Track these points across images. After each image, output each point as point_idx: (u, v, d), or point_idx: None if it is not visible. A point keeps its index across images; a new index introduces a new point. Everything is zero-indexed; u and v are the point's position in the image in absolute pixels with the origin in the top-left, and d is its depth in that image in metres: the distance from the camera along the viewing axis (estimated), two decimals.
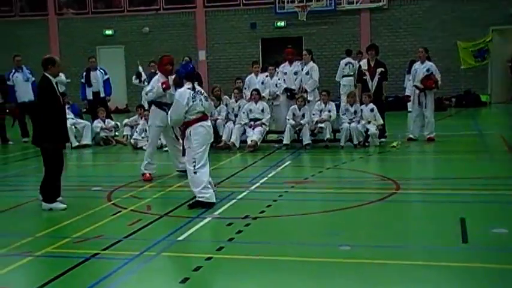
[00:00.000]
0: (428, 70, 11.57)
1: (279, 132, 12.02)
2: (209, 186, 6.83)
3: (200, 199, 6.78)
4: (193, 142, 6.86)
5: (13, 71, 13.54)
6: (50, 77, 6.88)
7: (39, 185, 7.03)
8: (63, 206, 6.92)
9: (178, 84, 7.36)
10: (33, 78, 13.19)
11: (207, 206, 6.71)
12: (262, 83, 12.27)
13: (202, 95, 7.08)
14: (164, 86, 8.45)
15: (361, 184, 8.06)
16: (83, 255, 5.16)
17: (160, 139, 11.51)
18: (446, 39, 19.38)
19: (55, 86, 6.93)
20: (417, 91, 11.66)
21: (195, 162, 6.84)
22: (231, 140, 11.33)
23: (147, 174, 8.57)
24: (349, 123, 11.10)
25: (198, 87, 7.08)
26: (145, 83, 16.99)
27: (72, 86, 16.64)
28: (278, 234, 5.75)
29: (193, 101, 6.93)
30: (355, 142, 11.04)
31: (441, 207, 6.60)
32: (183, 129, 7.07)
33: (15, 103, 13.36)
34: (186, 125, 6.94)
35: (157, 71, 9.31)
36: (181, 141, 7.80)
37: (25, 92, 13.30)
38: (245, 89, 12.50)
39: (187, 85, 7.06)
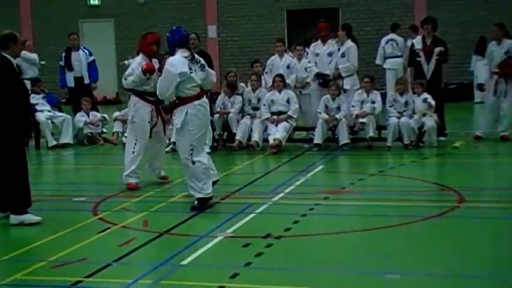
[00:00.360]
0: (507, 52, 11.47)
1: (309, 128, 12.01)
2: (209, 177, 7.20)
3: (202, 196, 7.08)
4: (190, 125, 7.04)
5: None
6: (11, 58, 7.00)
7: None
8: (37, 218, 7.00)
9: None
10: None
11: (208, 201, 7.00)
12: (288, 67, 12.28)
13: (198, 63, 7.22)
14: (145, 67, 8.44)
15: (414, 195, 8.02)
16: (61, 283, 5.17)
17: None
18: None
19: (16, 68, 7.07)
20: (495, 77, 11.58)
21: (192, 150, 7.08)
22: (254, 138, 11.33)
23: (134, 183, 8.63)
24: (399, 117, 11.05)
25: (196, 56, 7.26)
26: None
27: (48, 70, 16.84)
28: (307, 258, 5.73)
29: (190, 72, 7.09)
30: (406, 142, 10.99)
31: None
32: (172, 106, 7.25)
33: None
34: (181, 103, 7.09)
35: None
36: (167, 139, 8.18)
37: None
38: (266, 73, 12.52)
39: (182, 52, 7.17)
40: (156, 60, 8.76)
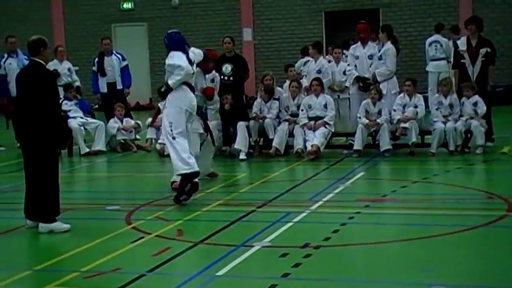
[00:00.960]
0: None
1: (348, 134, 11.96)
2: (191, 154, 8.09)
3: (184, 171, 7.86)
4: (168, 105, 8.21)
5: (5, 56, 13.92)
6: (43, 63, 7.18)
7: (24, 202, 7.17)
8: (66, 226, 7.09)
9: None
10: None
11: (194, 176, 7.75)
12: (319, 71, 12.15)
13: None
14: (207, 93, 9.41)
15: (460, 203, 7.93)
16: None
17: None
18: None
19: (50, 74, 7.28)
20: None
21: (171, 126, 8.04)
22: (297, 146, 11.29)
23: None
24: (444, 122, 10.90)
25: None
26: None
27: (80, 75, 16.99)
28: (347, 268, 5.71)
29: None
30: (452, 148, 10.85)
31: None
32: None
33: (8, 97, 13.49)
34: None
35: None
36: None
37: None
38: (305, 76, 12.49)
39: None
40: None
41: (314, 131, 11.30)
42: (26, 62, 13.69)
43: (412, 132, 11.02)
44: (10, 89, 13.37)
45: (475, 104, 10.95)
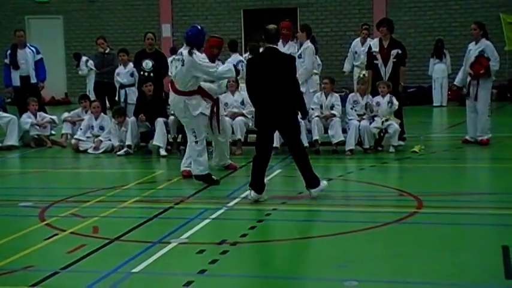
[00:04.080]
0: (482, 51, 11.63)
1: None
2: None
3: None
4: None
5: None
6: None
7: None
8: None
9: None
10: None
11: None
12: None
13: (178, 60, 8.59)
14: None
15: (373, 201, 8.10)
16: None
17: (111, 139, 11.52)
18: (486, 12, 19.53)
19: None
20: (468, 78, 11.74)
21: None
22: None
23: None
24: (359, 120, 11.11)
25: (183, 50, 8.56)
26: (87, 67, 17.01)
27: None
28: (264, 265, 5.75)
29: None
30: (366, 146, 11.09)
31: (478, 231, 6.67)
32: None
33: None
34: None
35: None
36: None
37: None
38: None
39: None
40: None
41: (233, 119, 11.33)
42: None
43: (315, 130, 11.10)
44: None
45: (390, 102, 11.17)
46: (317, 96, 11.47)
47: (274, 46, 8.07)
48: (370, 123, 11.07)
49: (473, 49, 11.76)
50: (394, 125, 11.05)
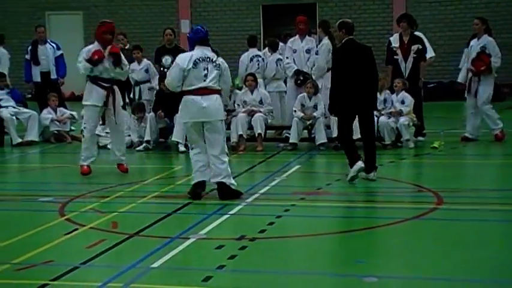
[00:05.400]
0: (483, 48, 11.54)
1: (284, 127, 12.02)
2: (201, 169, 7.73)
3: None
4: (180, 115, 8.01)
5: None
6: None
7: None
8: None
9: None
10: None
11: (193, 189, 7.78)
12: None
13: (212, 63, 7.65)
14: (96, 57, 8.92)
15: (392, 197, 8.08)
16: (26, 287, 5.13)
17: (130, 135, 11.56)
18: (508, 7, 19.29)
19: None
20: (469, 74, 11.66)
21: (186, 137, 8.19)
22: (233, 139, 11.32)
23: (85, 167, 9.14)
24: (378, 116, 11.07)
25: (210, 54, 7.70)
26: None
27: (13, 64, 16.63)
28: (283, 260, 5.74)
29: (193, 67, 7.56)
30: (387, 142, 11.03)
31: (498, 228, 6.63)
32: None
33: None
34: (182, 94, 7.73)
35: (118, 45, 9.60)
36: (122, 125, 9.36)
37: None
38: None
39: (197, 49, 7.71)
40: (109, 47, 9.16)
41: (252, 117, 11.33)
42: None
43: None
44: None
45: (402, 101, 11.15)
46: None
47: (353, 37, 8.65)
48: (389, 118, 11.03)
49: (474, 45, 11.68)
50: (405, 120, 10.98)
